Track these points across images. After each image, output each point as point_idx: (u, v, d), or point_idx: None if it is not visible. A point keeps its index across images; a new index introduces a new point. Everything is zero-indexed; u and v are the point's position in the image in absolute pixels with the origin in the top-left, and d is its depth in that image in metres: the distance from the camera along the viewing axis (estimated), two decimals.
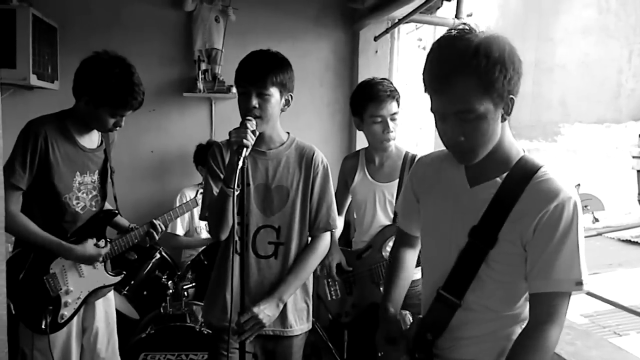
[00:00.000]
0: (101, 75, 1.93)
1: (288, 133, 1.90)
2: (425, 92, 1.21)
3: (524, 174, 1.23)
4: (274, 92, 1.74)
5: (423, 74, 1.20)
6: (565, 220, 1.17)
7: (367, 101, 2.20)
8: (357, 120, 2.30)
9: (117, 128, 2.05)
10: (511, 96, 1.17)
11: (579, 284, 1.18)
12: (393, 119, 2.21)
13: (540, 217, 1.18)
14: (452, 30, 1.19)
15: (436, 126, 1.25)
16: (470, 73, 1.12)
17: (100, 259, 2.09)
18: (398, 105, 2.24)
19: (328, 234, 1.90)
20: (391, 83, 2.27)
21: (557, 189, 1.19)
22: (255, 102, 1.72)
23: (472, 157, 1.23)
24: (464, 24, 1.19)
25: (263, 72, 1.73)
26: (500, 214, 1.22)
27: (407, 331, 1.42)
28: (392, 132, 2.22)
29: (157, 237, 2.23)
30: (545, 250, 1.18)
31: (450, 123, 1.19)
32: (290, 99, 1.82)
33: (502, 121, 1.21)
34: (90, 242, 2.07)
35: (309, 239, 1.90)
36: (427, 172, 1.43)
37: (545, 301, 1.20)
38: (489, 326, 1.28)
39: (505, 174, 1.24)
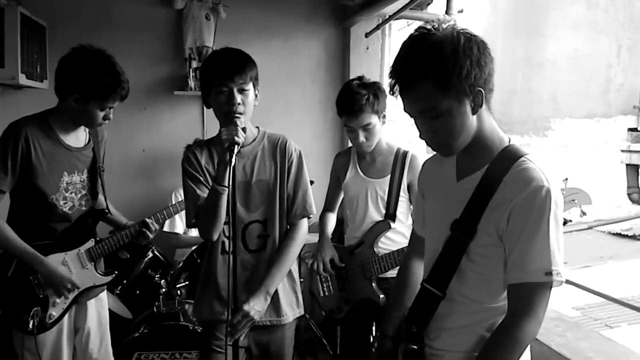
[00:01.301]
0: (86, 70, 1.91)
1: (257, 127, 1.91)
2: (391, 93, 1.24)
3: (504, 164, 1.23)
4: (251, 87, 1.77)
5: (389, 76, 1.24)
6: (536, 209, 1.16)
7: (341, 111, 2.24)
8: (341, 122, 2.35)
9: (106, 121, 2.03)
10: (478, 89, 1.18)
11: (548, 274, 1.16)
12: (366, 129, 2.20)
13: (512, 206, 1.18)
14: (416, 31, 1.22)
15: None
16: (424, 75, 1.16)
17: (68, 288, 2.03)
18: (378, 112, 2.20)
19: (305, 220, 1.91)
20: (370, 92, 2.18)
21: (530, 177, 1.18)
22: (239, 98, 1.73)
23: (448, 150, 1.27)
24: (428, 22, 1.22)
25: (242, 68, 1.74)
26: (479, 205, 1.23)
27: None
28: (362, 140, 2.21)
29: (150, 236, 2.21)
30: (518, 240, 1.18)
31: (419, 121, 1.24)
32: (258, 92, 1.83)
33: (473, 113, 1.21)
34: (58, 258, 2.04)
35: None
36: (429, 170, 1.47)
37: (519, 292, 1.20)
38: (472, 317, 1.29)
39: (485, 167, 1.25)
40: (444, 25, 1.19)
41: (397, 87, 1.22)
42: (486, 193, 1.22)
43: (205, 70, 1.81)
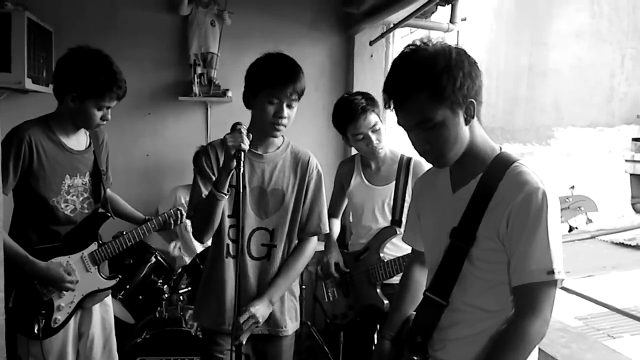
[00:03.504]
0: (82, 68, 1.92)
1: (283, 137, 1.91)
2: (386, 107, 1.29)
3: (498, 170, 1.26)
4: (297, 101, 1.80)
5: (383, 92, 1.28)
6: (533, 210, 1.19)
7: (345, 122, 2.25)
8: (344, 139, 2.36)
9: (104, 122, 2.03)
10: (470, 100, 1.22)
11: (550, 272, 1.18)
12: (375, 130, 2.23)
13: (509, 210, 1.21)
14: (407, 48, 1.26)
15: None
16: (420, 87, 1.20)
17: (67, 285, 2.01)
18: (378, 114, 2.25)
19: (316, 237, 1.93)
20: (364, 97, 2.25)
21: (524, 181, 1.22)
22: (287, 112, 1.75)
23: (443, 161, 1.30)
24: (419, 39, 1.27)
25: (299, 84, 1.76)
26: (477, 211, 1.25)
27: None
28: (376, 143, 2.24)
29: (179, 222, 2.26)
30: (519, 243, 1.21)
31: (414, 134, 1.27)
32: None
33: (466, 124, 1.25)
34: (59, 261, 2.02)
35: (296, 241, 1.91)
36: (423, 188, 1.50)
37: (523, 294, 1.21)
38: (477, 327, 1.29)
39: (480, 175, 1.28)
40: (434, 41, 1.24)
41: (391, 101, 1.26)
42: (483, 199, 1.25)
43: (258, 72, 1.78)
